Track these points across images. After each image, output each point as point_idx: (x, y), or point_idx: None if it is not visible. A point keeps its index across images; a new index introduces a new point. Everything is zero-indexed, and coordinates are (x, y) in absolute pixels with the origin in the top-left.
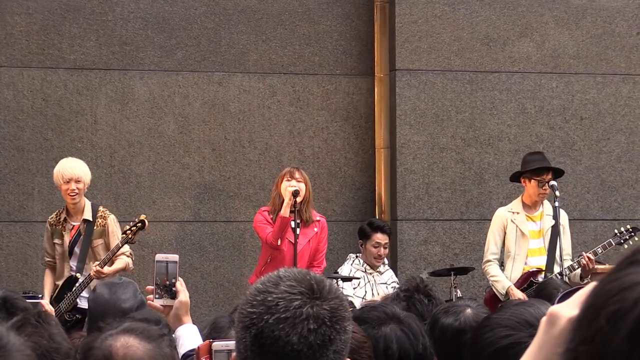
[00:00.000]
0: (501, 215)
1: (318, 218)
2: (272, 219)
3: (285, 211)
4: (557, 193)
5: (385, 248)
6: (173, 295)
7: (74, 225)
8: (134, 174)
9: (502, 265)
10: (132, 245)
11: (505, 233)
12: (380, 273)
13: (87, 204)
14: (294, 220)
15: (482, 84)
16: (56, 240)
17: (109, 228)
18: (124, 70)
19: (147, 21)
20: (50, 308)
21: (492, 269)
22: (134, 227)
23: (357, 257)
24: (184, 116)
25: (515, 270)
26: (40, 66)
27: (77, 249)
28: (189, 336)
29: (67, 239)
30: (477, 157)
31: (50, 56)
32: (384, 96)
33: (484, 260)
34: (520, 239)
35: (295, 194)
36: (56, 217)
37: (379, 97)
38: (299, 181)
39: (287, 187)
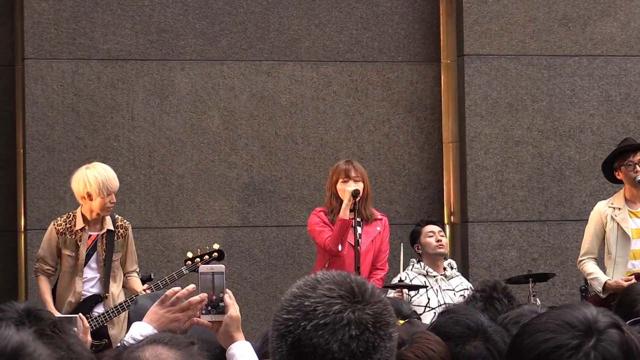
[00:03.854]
0: (600, 210)
1: (380, 216)
2: (330, 220)
3: (344, 213)
4: None
5: (442, 235)
6: (221, 310)
7: (90, 236)
8: (175, 175)
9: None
10: (170, 252)
11: (605, 231)
12: (447, 277)
13: None
14: (354, 219)
15: (560, 70)
16: (67, 252)
17: (129, 239)
18: (163, 61)
19: (187, 6)
20: (87, 325)
21: (588, 266)
22: (207, 256)
23: (418, 261)
24: (230, 110)
25: (617, 275)
26: (71, 57)
27: (92, 263)
28: (243, 355)
29: (82, 250)
30: (557, 151)
31: (82, 46)
32: (451, 84)
33: (578, 260)
34: (622, 238)
35: (355, 194)
36: (66, 224)
37: (445, 86)
38: (356, 181)
39: (346, 188)
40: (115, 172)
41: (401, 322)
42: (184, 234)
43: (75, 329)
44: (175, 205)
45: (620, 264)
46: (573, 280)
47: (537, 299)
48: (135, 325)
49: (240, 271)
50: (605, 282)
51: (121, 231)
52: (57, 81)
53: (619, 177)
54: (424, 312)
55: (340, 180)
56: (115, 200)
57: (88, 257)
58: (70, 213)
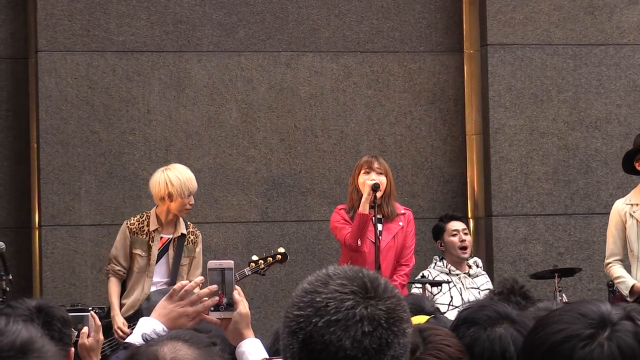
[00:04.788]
0: (618, 208)
1: (403, 211)
2: (350, 217)
3: (364, 207)
4: None
5: (465, 234)
6: (230, 307)
7: (162, 237)
8: (192, 169)
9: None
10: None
11: (625, 229)
12: (471, 276)
13: (180, 217)
14: (375, 216)
15: (586, 59)
16: (139, 252)
17: (198, 247)
18: (179, 52)
19: None
20: (98, 323)
21: (615, 270)
22: (270, 259)
23: (441, 259)
24: (248, 103)
25: None
26: (85, 49)
27: (162, 266)
28: (252, 352)
29: (154, 251)
30: (583, 143)
31: (96, 38)
32: (474, 75)
33: (605, 263)
34: None
35: (375, 187)
36: (139, 223)
37: (469, 77)
38: (379, 173)
39: (367, 181)
40: (130, 167)
41: (426, 317)
42: (201, 229)
43: (87, 327)
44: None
45: None
46: (600, 275)
47: (564, 295)
48: (143, 320)
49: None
50: (633, 286)
51: (192, 237)
52: (71, 74)
53: (639, 168)
54: (447, 310)
55: (363, 171)
56: (193, 202)
57: (158, 259)
58: (144, 213)
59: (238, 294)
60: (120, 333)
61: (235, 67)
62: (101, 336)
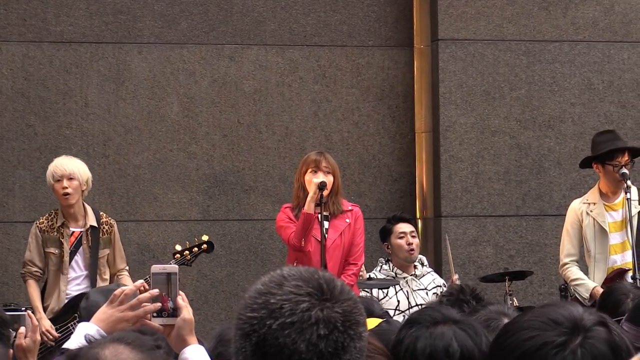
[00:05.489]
0: (575, 207)
1: (350, 207)
2: (295, 216)
3: (309, 206)
4: (629, 183)
5: (413, 237)
6: (174, 312)
7: (73, 232)
8: (131, 166)
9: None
10: (126, 247)
11: (582, 229)
12: (417, 277)
13: (89, 208)
14: (321, 214)
15: (540, 56)
16: (51, 249)
17: (116, 236)
18: (119, 44)
19: None
20: (35, 322)
21: (572, 271)
22: (196, 249)
23: (387, 261)
24: (190, 97)
25: (599, 273)
26: (21, 40)
27: (78, 260)
28: (196, 359)
29: (67, 247)
30: (536, 142)
31: (33, 28)
32: (424, 71)
33: (560, 265)
34: (600, 234)
35: (322, 186)
36: (48, 221)
37: (419, 72)
38: (326, 172)
39: (313, 179)
40: None
41: (377, 321)
42: (140, 227)
43: (24, 327)
44: (131, 198)
45: (601, 261)
46: (552, 278)
47: (514, 299)
48: (81, 326)
49: (200, 268)
50: (594, 289)
51: (106, 227)
52: (7, 65)
53: (596, 171)
54: (393, 315)
55: (310, 170)
56: (69, 188)
57: (72, 254)
58: (52, 210)
59: (182, 300)
60: (49, 336)
61: (177, 60)
62: (38, 337)
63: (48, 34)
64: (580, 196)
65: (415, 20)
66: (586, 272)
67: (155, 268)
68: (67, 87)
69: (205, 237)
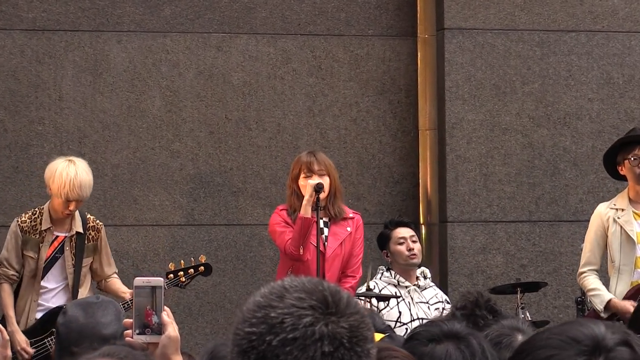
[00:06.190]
0: (601, 212)
1: (351, 215)
2: (292, 219)
3: (305, 210)
4: None
5: (414, 241)
6: (158, 329)
7: (57, 237)
8: (109, 165)
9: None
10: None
11: (607, 237)
12: (420, 288)
13: (76, 212)
14: (318, 220)
15: (555, 47)
16: (30, 253)
17: (102, 242)
18: (96, 32)
19: None
20: (6, 336)
21: (590, 280)
22: (192, 270)
23: (388, 269)
24: (173, 90)
25: (621, 286)
26: None
27: (57, 269)
28: None
29: (44, 253)
30: (550, 141)
31: (3, 15)
32: (429, 63)
33: (578, 272)
34: (626, 244)
35: (318, 188)
36: (31, 221)
37: (423, 65)
38: (321, 175)
39: (308, 181)
40: (39, 161)
41: (379, 335)
42: (118, 233)
43: None
44: (109, 200)
45: (625, 273)
46: (567, 290)
47: (527, 312)
48: None
49: None
50: (610, 301)
51: (92, 234)
52: None
53: (622, 173)
54: (394, 327)
55: (303, 174)
56: (73, 209)
57: (53, 261)
58: (37, 209)
59: (167, 315)
60: (25, 355)
61: (159, 50)
62: (9, 352)
63: (19, 21)
64: (599, 200)
65: (419, 8)
66: (607, 284)
67: (139, 281)
68: (39, 79)
69: (203, 259)
